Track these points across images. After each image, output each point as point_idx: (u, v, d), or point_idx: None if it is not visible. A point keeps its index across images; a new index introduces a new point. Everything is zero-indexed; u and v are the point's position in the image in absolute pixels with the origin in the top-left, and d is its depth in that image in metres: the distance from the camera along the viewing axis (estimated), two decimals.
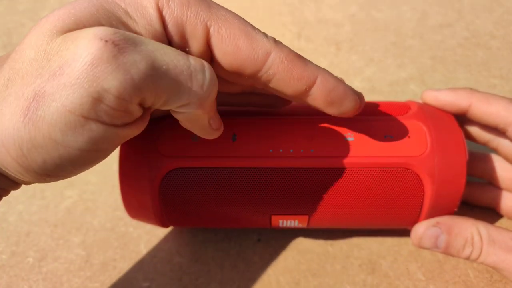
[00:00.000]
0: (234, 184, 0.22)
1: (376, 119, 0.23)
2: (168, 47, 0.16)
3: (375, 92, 0.37)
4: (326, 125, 0.23)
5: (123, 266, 0.27)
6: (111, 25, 0.16)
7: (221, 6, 0.18)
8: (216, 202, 0.23)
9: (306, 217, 0.24)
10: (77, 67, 0.14)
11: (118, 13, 0.17)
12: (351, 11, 0.47)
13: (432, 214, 0.23)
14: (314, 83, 0.19)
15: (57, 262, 0.27)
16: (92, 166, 0.17)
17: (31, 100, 0.15)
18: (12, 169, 0.16)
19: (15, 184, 0.18)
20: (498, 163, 0.27)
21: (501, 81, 0.38)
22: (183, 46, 0.18)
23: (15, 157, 0.16)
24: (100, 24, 0.16)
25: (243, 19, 0.19)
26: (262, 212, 0.23)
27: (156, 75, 0.15)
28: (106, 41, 0.15)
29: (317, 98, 0.19)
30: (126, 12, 0.17)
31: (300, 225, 0.25)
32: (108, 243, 0.28)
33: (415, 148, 0.22)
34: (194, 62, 0.17)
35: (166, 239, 0.28)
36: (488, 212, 0.28)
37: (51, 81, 0.15)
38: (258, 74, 0.18)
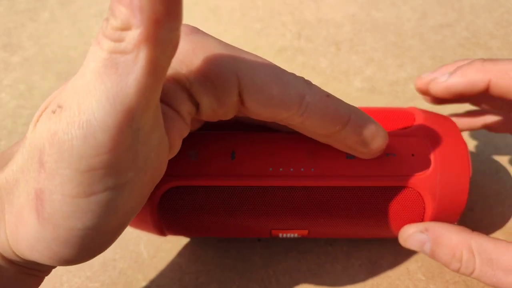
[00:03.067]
0: (233, 202, 0.22)
1: None
2: None
3: (375, 92, 0.37)
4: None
5: (123, 266, 0.27)
6: None
7: (247, 53, 0.18)
8: (215, 220, 0.23)
9: (306, 231, 0.24)
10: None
11: None
12: (351, 11, 0.47)
13: None
14: (347, 123, 0.18)
15: None
16: (127, 224, 0.17)
17: (36, 200, 0.14)
18: (49, 263, 0.16)
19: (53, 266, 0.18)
20: None
21: None
22: (216, 97, 0.17)
23: (48, 256, 0.15)
24: None
25: (271, 63, 0.18)
26: (262, 227, 0.23)
27: None
28: None
29: (348, 137, 0.19)
30: None
31: (300, 236, 0.25)
32: None
33: (418, 166, 0.22)
34: None
35: (166, 239, 0.28)
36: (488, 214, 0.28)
37: (42, 174, 0.14)
38: (291, 118, 0.18)
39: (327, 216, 0.22)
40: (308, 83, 0.18)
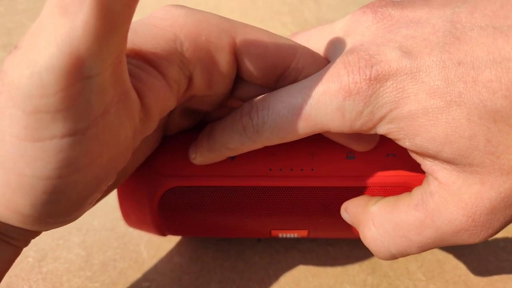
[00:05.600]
0: (234, 202, 0.22)
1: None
2: None
3: None
4: (327, 143, 0.22)
5: (123, 266, 0.27)
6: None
7: (237, 21, 0.19)
8: (215, 220, 0.23)
9: (306, 231, 0.24)
10: None
11: None
12: (351, 10, 0.47)
13: None
14: None
15: (57, 262, 0.27)
16: (96, 192, 0.16)
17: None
18: (12, 219, 0.15)
19: (28, 233, 0.17)
20: None
21: None
22: (210, 61, 0.18)
23: (4, 205, 0.15)
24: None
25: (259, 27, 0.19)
26: (262, 228, 0.23)
27: None
28: None
29: None
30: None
31: (300, 237, 0.25)
32: (108, 243, 0.28)
33: (416, 166, 0.21)
34: None
35: (166, 239, 0.28)
36: None
37: None
38: (287, 71, 0.18)
39: (327, 217, 0.22)
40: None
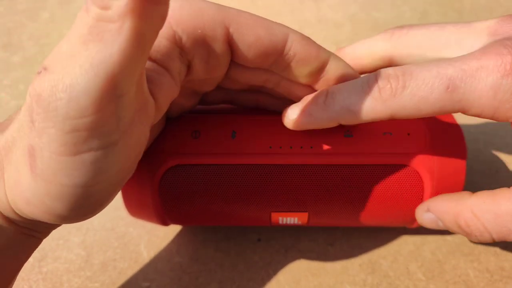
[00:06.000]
0: (234, 180, 0.22)
1: None
2: None
3: None
4: None
5: (123, 266, 0.27)
6: None
7: (229, 7, 0.19)
8: (215, 199, 0.23)
9: (306, 214, 0.24)
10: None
11: None
12: (351, 11, 0.47)
13: None
14: (328, 60, 0.20)
15: (57, 262, 0.27)
16: (120, 187, 0.18)
17: (29, 156, 0.15)
18: (46, 219, 0.17)
19: (54, 226, 0.19)
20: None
21: None
22: (207, 50, 0.18)
23: (43, 210, 0.16)
24: None
25: (252, 13, 0.19)
26: (262, 209, 0.23)
27: None
28: None
29: (331, 78, 0.20)
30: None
31: (300, 223, 0.25)
32: (108, 243, 0.28)
33: (414, 144, 0.22)
34: None
35: (166, 239, 0.28)
36: None
37: (33, 131, 0.14)
38: (279, 58, 0.19)
39: (327, 196, 0.23)
40: (289, 27, 0.19)
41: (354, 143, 0.22)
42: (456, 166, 0.22)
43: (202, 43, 0.18)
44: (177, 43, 0.17)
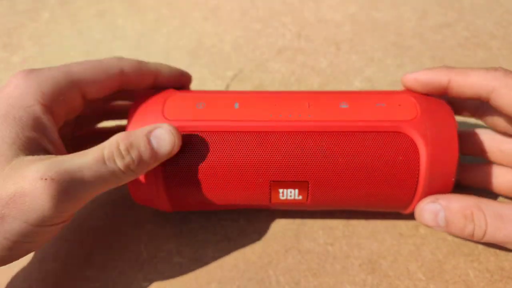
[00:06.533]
0: (236, 147, 0.24)
1: (367, 92, 0.26)
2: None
3: None
4: (322, 95, 0.25)
5: (123, 266, 0.27)
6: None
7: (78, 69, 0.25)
8: (217, 167, 0.24)
9: (306, 185, 0.24)
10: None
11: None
12: (351, 11, 0.47)
13: (431, 181, 0.24)
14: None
15: (57, 262, 0.27)
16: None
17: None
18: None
19: None
20: (486, 135, 0.27)
21: None
22: (68, 106, 0.25)
23: None
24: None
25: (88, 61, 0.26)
26: (262, 176, 0.24)
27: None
28: (45, 179, 0.19)
29: None
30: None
31: (300, 198, 0.25)
32: (108, 243, 0.28)
33: (406, 114, 0.24)
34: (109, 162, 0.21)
35: (166, 239, 0.28)
36: (484, 193, 0.28)
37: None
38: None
39: (325, 163, 0.23)
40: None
41: (349, 112, 0.24)
42: (448, 133, 0.23)
43: (63, 102, 0.24)
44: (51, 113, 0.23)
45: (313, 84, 0.38)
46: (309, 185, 0.24)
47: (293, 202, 0.25)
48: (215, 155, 0.24)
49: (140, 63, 0.26)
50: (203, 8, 0.48)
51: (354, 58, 0.41)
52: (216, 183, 0.24)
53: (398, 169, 0.23)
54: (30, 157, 0.21)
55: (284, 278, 0.26)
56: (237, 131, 0.24)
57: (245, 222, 0.28)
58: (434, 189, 0.24)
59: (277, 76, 0.39)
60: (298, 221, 0.28)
